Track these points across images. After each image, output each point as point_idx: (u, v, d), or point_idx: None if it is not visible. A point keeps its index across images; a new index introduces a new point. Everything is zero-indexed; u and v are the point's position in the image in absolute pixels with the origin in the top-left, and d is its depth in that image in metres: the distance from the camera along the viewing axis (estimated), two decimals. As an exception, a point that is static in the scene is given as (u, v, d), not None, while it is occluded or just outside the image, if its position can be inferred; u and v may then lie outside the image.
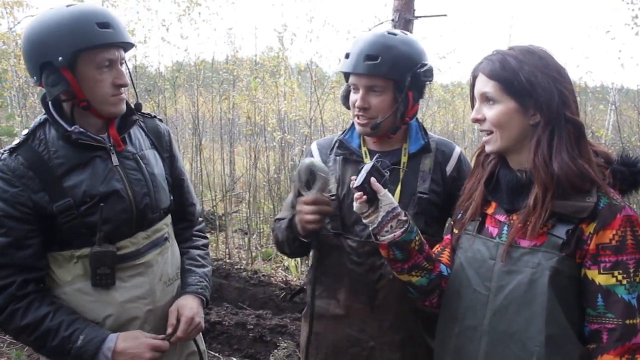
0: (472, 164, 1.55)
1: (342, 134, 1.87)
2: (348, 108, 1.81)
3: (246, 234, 7.21)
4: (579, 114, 1.29)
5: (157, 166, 1.63)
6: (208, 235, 1.92)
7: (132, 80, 1.55)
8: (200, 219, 1.88)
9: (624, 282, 1.18)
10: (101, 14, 1.41)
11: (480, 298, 1.33)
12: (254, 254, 6.64)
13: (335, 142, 1.85)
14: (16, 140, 1.47)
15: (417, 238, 1.44)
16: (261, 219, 7.59)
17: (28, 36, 1.42)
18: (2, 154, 1.44)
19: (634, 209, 1.22)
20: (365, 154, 1.79)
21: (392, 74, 1.65)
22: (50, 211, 1.41)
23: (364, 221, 1.45)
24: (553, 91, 1.24)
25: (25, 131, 1.49)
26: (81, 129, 1.46)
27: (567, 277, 1.22)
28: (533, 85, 1.25)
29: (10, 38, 8.74)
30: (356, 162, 1.78)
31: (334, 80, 7.79)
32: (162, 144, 1.70)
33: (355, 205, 1.44)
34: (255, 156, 7.45)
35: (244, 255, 6.73)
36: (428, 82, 1.71)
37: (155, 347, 1.46)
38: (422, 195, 1.72)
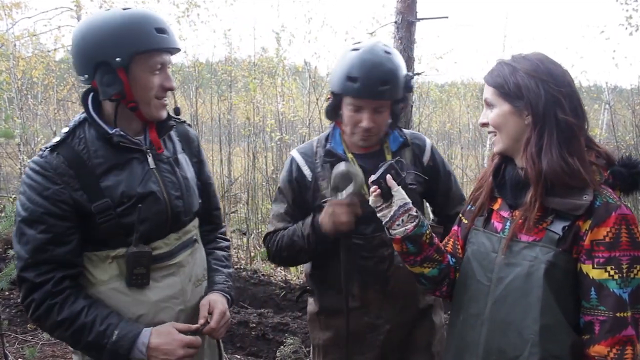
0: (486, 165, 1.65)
1: (326, 140, 1.94)
2: (331, 120, 1.93)
3: (244, 234, 7.26)
4: (574, 114, 1.33)
5: (189, 170, 1.65)
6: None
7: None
8: (223, 223, 1.90)
9: (616, 277, 1.24)
10: (159, 20, 1.45)
11: (482, 288, 1.41)
12: (252, 253, 6.69)
13: (317, 148, 1.94)
14: (56, 138, 1.47)
15: (427, 232, 1.51)
16: (259, 219, 7.63)
17: (83, 35, 1.42)
18: (43, 151, 1.44)
19: (629, 208, 1.27)
20: (353, 160, 1.87)
21: (399, 94, 1.78)
22: (88, 210, 1.42)
23: (378, 215, 1.52)
24: (540, 92, 1.31)
25: (66, 129, 1.49)
26: (122, 132, 1.47)
27: (562, 271, 1.29)
28: (520, 88, 1.33)
29: (9, 40, 8.74)
30: None
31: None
32: (192, 149, 1.73)
33: (371, 199, 1.52)
34: (253, 156, 7.49)
35: (242, 255, 6.78)
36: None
37: (188, 344, 1.46)
38: (411, 186, 1.84)
